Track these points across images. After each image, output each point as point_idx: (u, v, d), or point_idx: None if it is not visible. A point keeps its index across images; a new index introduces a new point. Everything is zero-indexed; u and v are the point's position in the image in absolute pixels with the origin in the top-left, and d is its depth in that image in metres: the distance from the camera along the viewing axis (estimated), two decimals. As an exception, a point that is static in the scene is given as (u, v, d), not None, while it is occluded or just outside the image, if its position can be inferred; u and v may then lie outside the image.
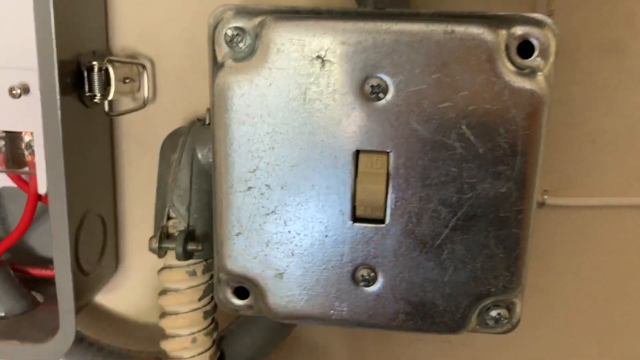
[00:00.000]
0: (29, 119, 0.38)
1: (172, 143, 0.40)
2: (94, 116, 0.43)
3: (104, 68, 0.39)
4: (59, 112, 0.36)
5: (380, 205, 0.33)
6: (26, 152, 0.41)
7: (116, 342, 0.47)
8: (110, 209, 0.47)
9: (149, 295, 0.50)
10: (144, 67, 0.44)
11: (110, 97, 0.40)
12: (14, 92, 0.37)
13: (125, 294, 0.50)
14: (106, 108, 0.41)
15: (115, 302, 0.50)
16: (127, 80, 0.42)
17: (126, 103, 0.45)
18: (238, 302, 0.37)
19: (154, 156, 0.46)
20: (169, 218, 0.40)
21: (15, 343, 0.42)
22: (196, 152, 0.40)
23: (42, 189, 0.40)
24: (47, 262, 0.50)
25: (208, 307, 0.41)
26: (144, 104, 0.44)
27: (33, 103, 0.38)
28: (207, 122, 0.41)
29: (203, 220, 0.40)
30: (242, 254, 0.35)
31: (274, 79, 0.32)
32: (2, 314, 0.45)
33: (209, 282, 0.41)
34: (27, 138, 0.41)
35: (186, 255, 0.38)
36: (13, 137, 0.40)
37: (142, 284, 0.50)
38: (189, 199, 0.39)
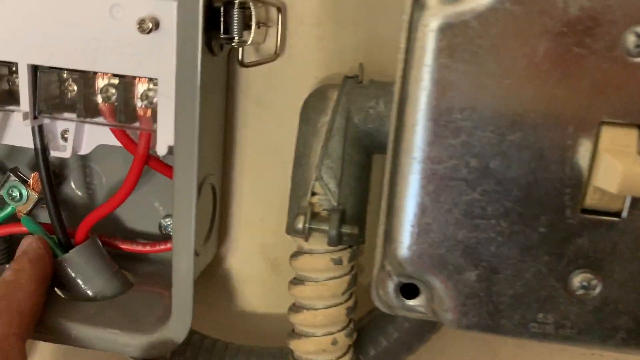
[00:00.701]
0: (155, 62, 0.31)
1: (319, 103, 0.33)
2: (217, 66, 0.36)
3: (244, 6, 0.32)
4: (199, 56, 0.29)
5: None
6: (139, 104, 0.33)
7: (214, 335, 0.40)
8: (219, 178, 0.40)
9: (254, 280, 0.43)
10: (279, 10, 0.36)
11: (250, 41, 0.32)
12: (144, 25, 0.29)
13: (227, 279, 0.43)
14: (240, 56, 0.34)
15: (215, 287, 0.43)
16: (261, 25, 0.35)
17: (248, 54, 0.38)
18: (404, 301, 0.30)
19: (274, 117, 0.40)
20: (312, 194, 0.33)
21: (114, 332, 0.35)
22: (352, 115, 0.32)
23: (161, 150, 0.33)
24: (133, 236, 0.43)
25: (350, 303, 0.34)
26: (276, 54, 0.36)
27: (162, 43, 0.31)
28: (359, 79, 0.34)
29: (353, 199, 0.33)
30: (425, 245, 0.28)
31: (499, 24, 0.25)
32: (91, 294, 0.38)
33: (352, 273, 0.34)
34: (141, 87, 0.33)
35: (340, 240, 0.31)
36: (126, 85, 0.33)
37: (246, 267, 0.43)
38: (341, 172, 0.32)
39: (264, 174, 0.41)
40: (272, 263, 0.43)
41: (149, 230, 0.43)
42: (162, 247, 0.41)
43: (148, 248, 0.41)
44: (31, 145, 0.37)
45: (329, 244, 0.31)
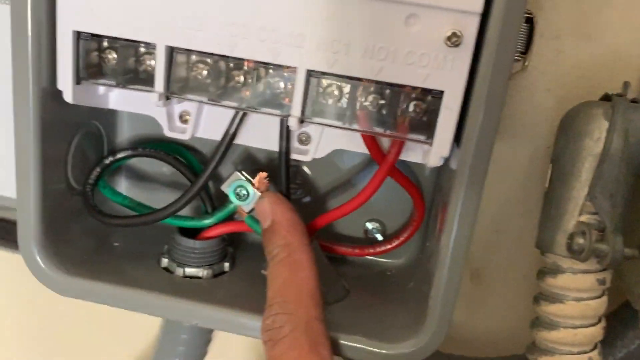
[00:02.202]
0: (444, 75, 0.31)
1: (588, 121, 0.33)
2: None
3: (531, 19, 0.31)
4: (508, 73, 0.29)
5: None
6: (402, 113, 0.33)
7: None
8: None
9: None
10: (530, 19, 0.35)
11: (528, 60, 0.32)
12: (453, 39, 0.29)
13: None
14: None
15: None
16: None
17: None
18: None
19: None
20: (580, 213, 0.33)
21: (358, 339, 0.35)
22: (628, 135, 0.32)
23: (435, 161, 0.32)
24: (335, 238, 0.43)
25: (604, 323, 0.34)
26: (524, 65, 0.36)
27: (457, 56, 0.30)
28: (626, 96, 0.33)
29: (623, 220, 0.33)
30: None
31: None
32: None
33: (607, 293, 0.34)
34: (404, 96, 0.33)
35: (620, 262, 0.31)
36: (394, 94, 0.33)
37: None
38: (616, 193, 0.32)
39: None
40: (472, 273, 0.43)
41: (351, 233, 0.43)
42: (371, 250, 0.41)
43: (357, 251, 0.41)
44: (267, 147, 0.37)
45: (610, 265, 0.31)
